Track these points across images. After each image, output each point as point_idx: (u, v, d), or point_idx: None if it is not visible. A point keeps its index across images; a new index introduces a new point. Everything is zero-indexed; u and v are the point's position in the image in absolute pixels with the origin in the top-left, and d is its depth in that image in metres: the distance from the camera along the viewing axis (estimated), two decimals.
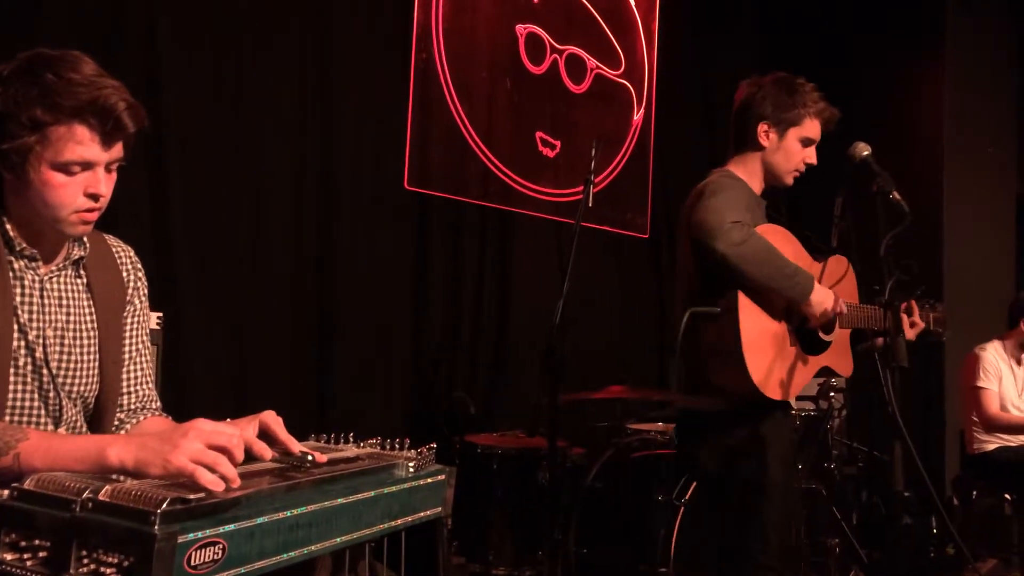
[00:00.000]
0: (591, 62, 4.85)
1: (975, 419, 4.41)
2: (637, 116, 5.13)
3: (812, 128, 2.58)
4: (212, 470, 1.18)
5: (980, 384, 4.38)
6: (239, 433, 1.30)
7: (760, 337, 2.43)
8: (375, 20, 3.91)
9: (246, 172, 3.44)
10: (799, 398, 4.21)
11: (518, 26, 4.49)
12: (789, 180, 2.61)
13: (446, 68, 4.15)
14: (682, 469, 3.10)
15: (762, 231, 2.44)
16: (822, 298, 2.44)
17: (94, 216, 1.54)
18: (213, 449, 1.22)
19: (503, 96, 4.42)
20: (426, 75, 4.07)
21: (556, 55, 4.67)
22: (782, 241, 2.52)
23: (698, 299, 2.43)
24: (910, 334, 2.74)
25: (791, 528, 2.59)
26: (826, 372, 2.66)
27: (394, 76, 3.96)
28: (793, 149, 2.57)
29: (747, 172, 2.59)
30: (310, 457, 1.34)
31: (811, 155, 2.60)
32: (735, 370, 2.38)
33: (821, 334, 2.59)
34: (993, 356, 4.43)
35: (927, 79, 5.62)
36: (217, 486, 1.15)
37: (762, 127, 2.56)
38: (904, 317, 2.73)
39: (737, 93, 2.67)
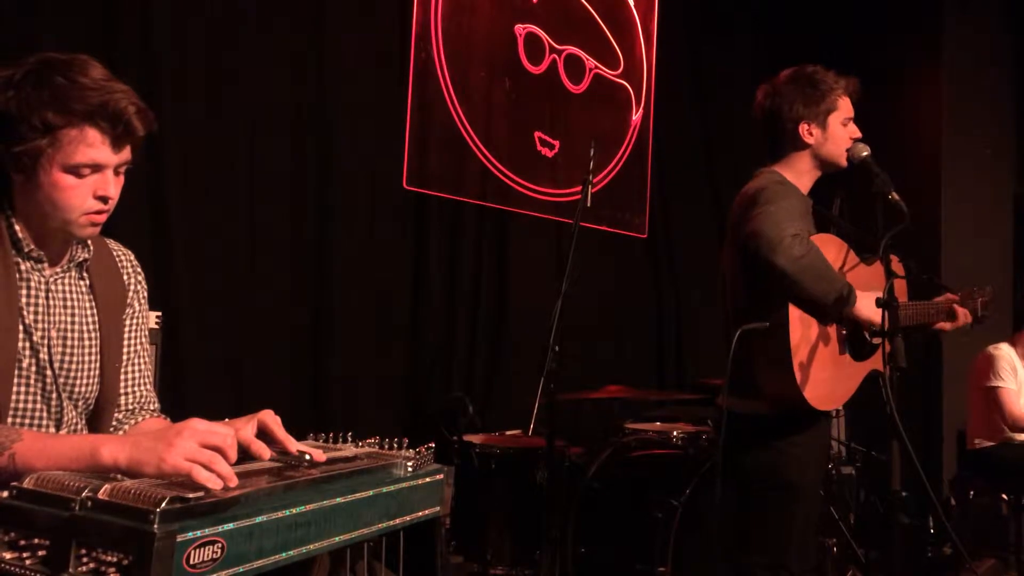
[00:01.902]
0: (590, 62, 4.86)
1: (997, 417, 4.38)
2: (636, 116, 5.14)
3: (846, 106, 2.60)
4: (208, 469, 1.19)
5: (999, 384, 4.36)
6: (233, 433, 1.31)
7: (811, 349, 2.43)
8: (374, 20, 3.91)
9: (244, 171, 3.44)
10: None
11: (517, 26, 4.49)
12: (845, 162, 2.60)
13: (445, 68, 4.15)
14: (678, 463, 3.11)
15: (814, 241, 2.43)
16: (867, 309, 2.42)
17: (102, 218, 1.56)
18: (207, 448, 1.23)
19: (502, 96, 4.42)
20: (425, 75, 4.07)
21: (555, 55, 4.68)
22: (834, 249, 2.53)
23: (747, 315, 2.42)
24: (947, 326, 2.79)
25: (814, 531, 2.61)
26: (875, 375, 2.65)
27: (393, 76, 3.96)
28: (839, 134, 2.57)
29: (796, 172, 2.58)
30: (308, 456, 1.35)
31: (854, 130, 2.61)
32: (786, 383, 2.39)
33: (868, 336, 2.59)
34: (1008, 356, 4.43)
35: (925, 80, 5.63)
36: (214, 483, 1.16)
37: (803, 127, 2.56)
38: (957, 309, 2.78)
39: (758, 107, 2.64)
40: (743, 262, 2.44)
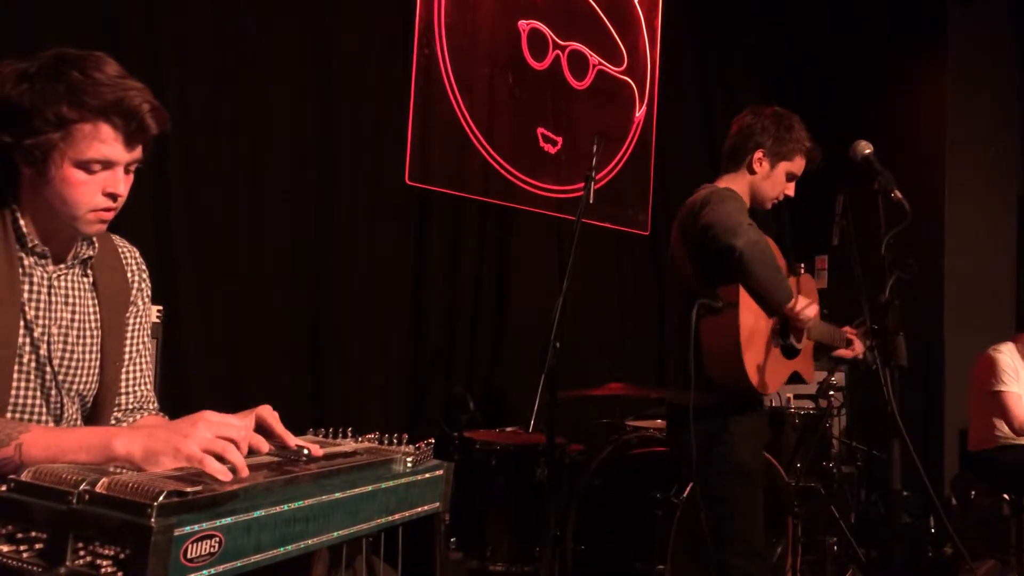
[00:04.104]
0: (593, 58, 4.84)
1: (998, 421, 4.36)
2: (639, 113, 5.13)
3: (799, 164, 2.85)
4: (221, 459, 1.20)
5: (1004, 389, 4.33)
6: (245, 425, 1.32)
7: (754, 333, 2.63)
8: (377, 15, 3.90)
9: (246, 166, 3.43)
10: (798, 396, 4.23)
11: (520, 22, 4.48)
12: (768, 206, 2.90)
13: (448, 63, 4.14)
14: (674, 462, 3.20)
15: None
16: (804, 305, 2.65)
17: (110, 216, 1.55)
18: (221, 439, 1.24)
19: (505, 92, 4.41)
20: (428, 70, 4.06)
21: (558, 51, 4.67)
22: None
23: (697, 296, 2.59)
24: (848, 354, 3.04)
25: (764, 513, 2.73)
26: (795, 377, 2.89)
27: (396, 71, 3.96)
28: (779, 180, 2.83)
29: (740, 190, 2.82)
30: (306, 451, 1.34)
31: (791, 188, 2.88)
32: (730, 360, 2.56)
33: (794, 341, 2.83)
34: (1009, 358, 4.41)
35: (928, 79, 5.62)
36: (224, 475, 1.16)
37: (758, 155, 2.80)
38: (856, 340, 3.03)
39: (737, 120, 2.89)
40: (696, 254, 2.68)
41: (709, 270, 2.64)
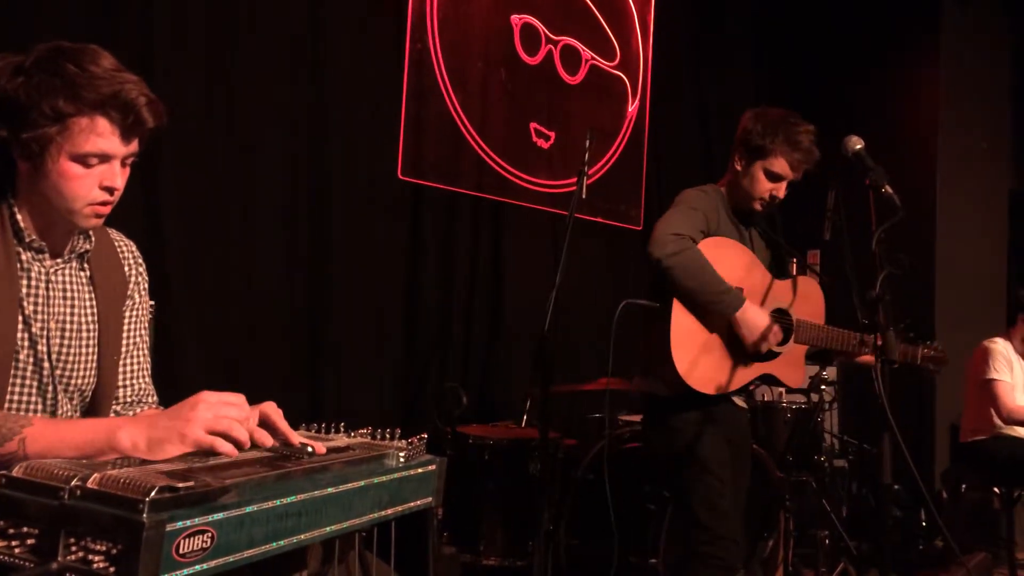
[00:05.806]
0: (586, 53, 4.84)
1: (992, 411, 4.38)
2: (631, 108, 5.13)
3: (779, 164, 2.74)
4: (227, 437, 1.23)
5: (996, 377, 4.35)
6: (244, 400, 1.33)
7: (692, 337, 2.65)
8: (370, 9, 3.90)
9: (239, 162, 3.43)
10: (790, 391, 4.24)
11: (513, 16, 4.48)
12: (756, 206, 2.80)
13: (441, 58, 4.13)
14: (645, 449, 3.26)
15: (709, 243, 2.65)
16: (753, 319, 2.63)
17: (107, 209, 1.55)
18: (223, 418, 1.26)
19: (498, 87, 4.41)
20: (421, 65, 4.06)
21: (551, 46, 4.66)
22: (730, 254, 2.71)
23: (649, 293, 2.72)
24: (872, 359, 2.93)
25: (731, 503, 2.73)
26: (770, 379, 2.84)
27: (388, 66, 3.95)
28: (757, 178, 2.75)
29: (727, 189, 2.84)
30: (309, 448, 1.34)
31: (778, 189, 2.78)
32: (665, 363, 2.62)
33: (748, 347, 2.76)
34: (1004, 349, 4.43)
35: (922, 75, 5.63)
36: (235, 454, 1.20)
37: (736, 153, 2.78)
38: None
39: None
40: None
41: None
